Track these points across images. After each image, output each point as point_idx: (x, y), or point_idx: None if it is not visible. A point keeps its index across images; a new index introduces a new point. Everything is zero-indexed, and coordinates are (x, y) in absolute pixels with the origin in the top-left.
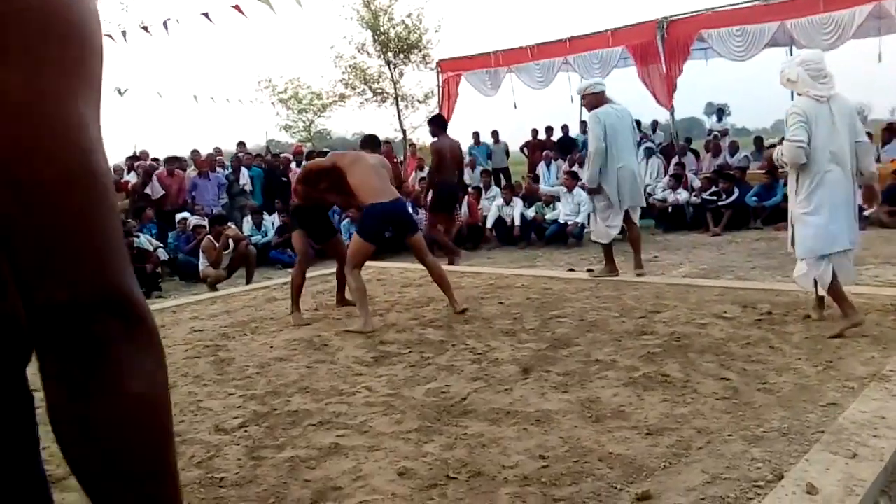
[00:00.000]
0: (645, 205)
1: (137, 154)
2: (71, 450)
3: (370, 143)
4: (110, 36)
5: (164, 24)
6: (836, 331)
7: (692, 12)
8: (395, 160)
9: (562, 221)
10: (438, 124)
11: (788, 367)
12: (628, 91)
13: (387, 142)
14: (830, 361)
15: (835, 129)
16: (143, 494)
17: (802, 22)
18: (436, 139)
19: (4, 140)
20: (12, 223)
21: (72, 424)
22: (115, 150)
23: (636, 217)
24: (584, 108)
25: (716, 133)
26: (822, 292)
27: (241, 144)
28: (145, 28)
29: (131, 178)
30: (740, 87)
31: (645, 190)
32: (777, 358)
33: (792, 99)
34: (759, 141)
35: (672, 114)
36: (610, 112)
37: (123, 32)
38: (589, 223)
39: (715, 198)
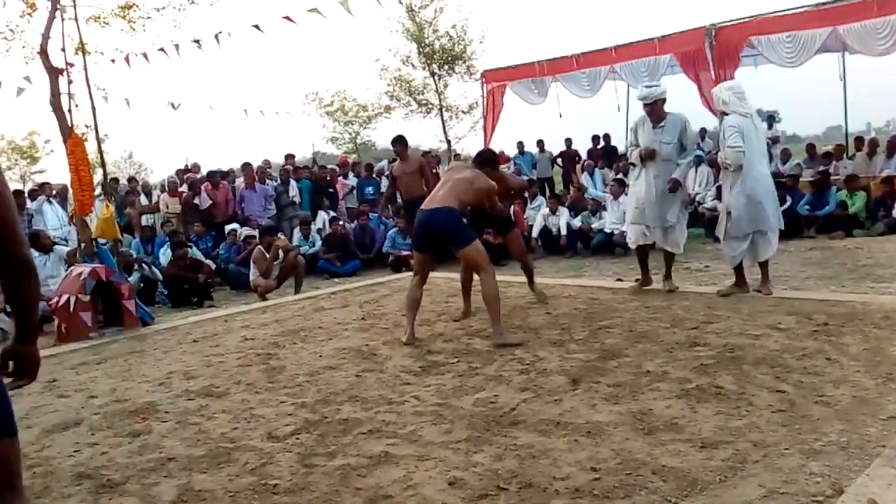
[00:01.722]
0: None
1: (189, 167)
2: (20, 296)
3: (478, 159)
4: (164, 51)
5: (216, 37)
6: (725, 290)
7: (741, 18)
8: (436, 170)
9: (608, 231)
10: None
11: (846, 380)
12: (677, 99)
13: (428, 152)
14: (890, 374)
15: (758, 137)
16: (34, 311)
17: (855, 27)
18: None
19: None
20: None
21: (25, 290)
22: (170, 162)
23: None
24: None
25: (767, 141)
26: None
27: (290, 157)
28: (197, 42)
29: (184, 189)
30: (790, 93)
31: (694, 199)
32: (834, 370)
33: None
34: (811, 148)
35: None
36: None
37: (176, 46)
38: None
39: None
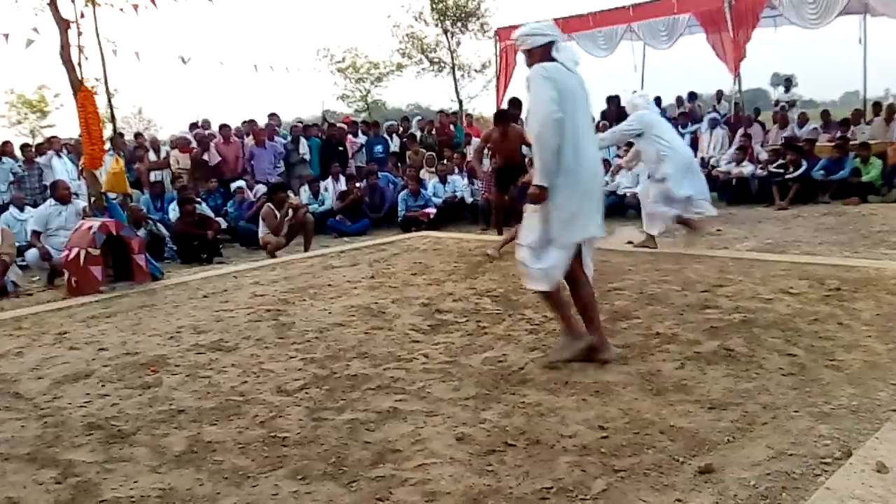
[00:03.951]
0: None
1: (199, 123)
2: None
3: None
4: None
5: None
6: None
7: None
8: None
9: (620, 193)
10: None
11: (858, 344)
12: (695, 59)
13: (442, 111)
14: None
15: (663, 126)
16: None
17: None
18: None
19: None
20: None
21: None
22: (179, 118)
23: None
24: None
25: (784, 104)
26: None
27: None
28: None
29: (195, 145)
30: (808, 56)
31: (708, 162)
32: (846, 335)
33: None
34: (825, 115)
35: (738, 83)
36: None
37: None
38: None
39: (782, 170)
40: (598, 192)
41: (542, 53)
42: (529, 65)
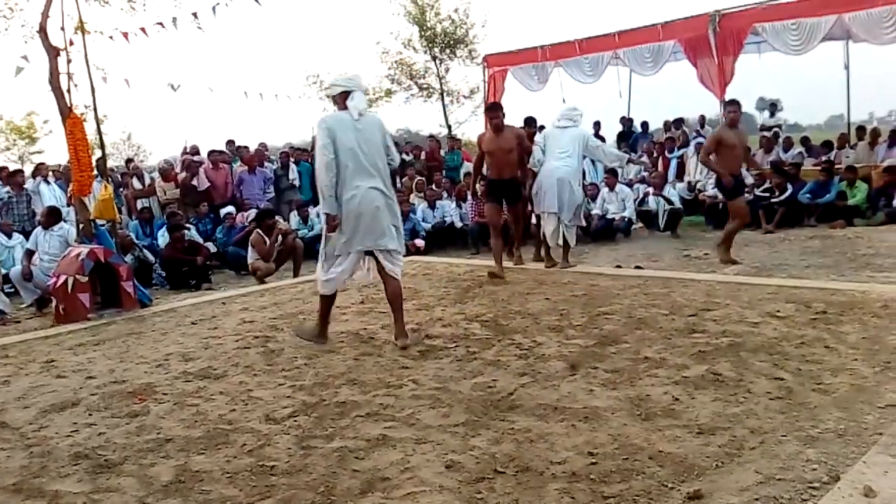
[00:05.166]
0: (403, 251)
1: (188, 149)
2: None
3: None
4: (161, 24)
5: (213, 8)
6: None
7: (746, 6)
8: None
9: (609, 217)
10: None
11: (844, 368)
12: (681, 84)
13: (432, 136)
14: (888, 362)
15: (560, 140)
16: None
17: (861, 15)
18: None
19: None
20: None
21: None
22: (168, 144)
23: (396, 266)
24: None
25: (776, 130)
26: None
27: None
28: (194, 14)
29: (178, 172)
30: (793, 81)
31: (695, 186)
32: (833, 358)
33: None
34: (806, 140)
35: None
36: (344, 119)
37: (174, 20)
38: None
39: (768, 194)
40: (371, 214)
41: (341, 100)
42: (338, 109)
